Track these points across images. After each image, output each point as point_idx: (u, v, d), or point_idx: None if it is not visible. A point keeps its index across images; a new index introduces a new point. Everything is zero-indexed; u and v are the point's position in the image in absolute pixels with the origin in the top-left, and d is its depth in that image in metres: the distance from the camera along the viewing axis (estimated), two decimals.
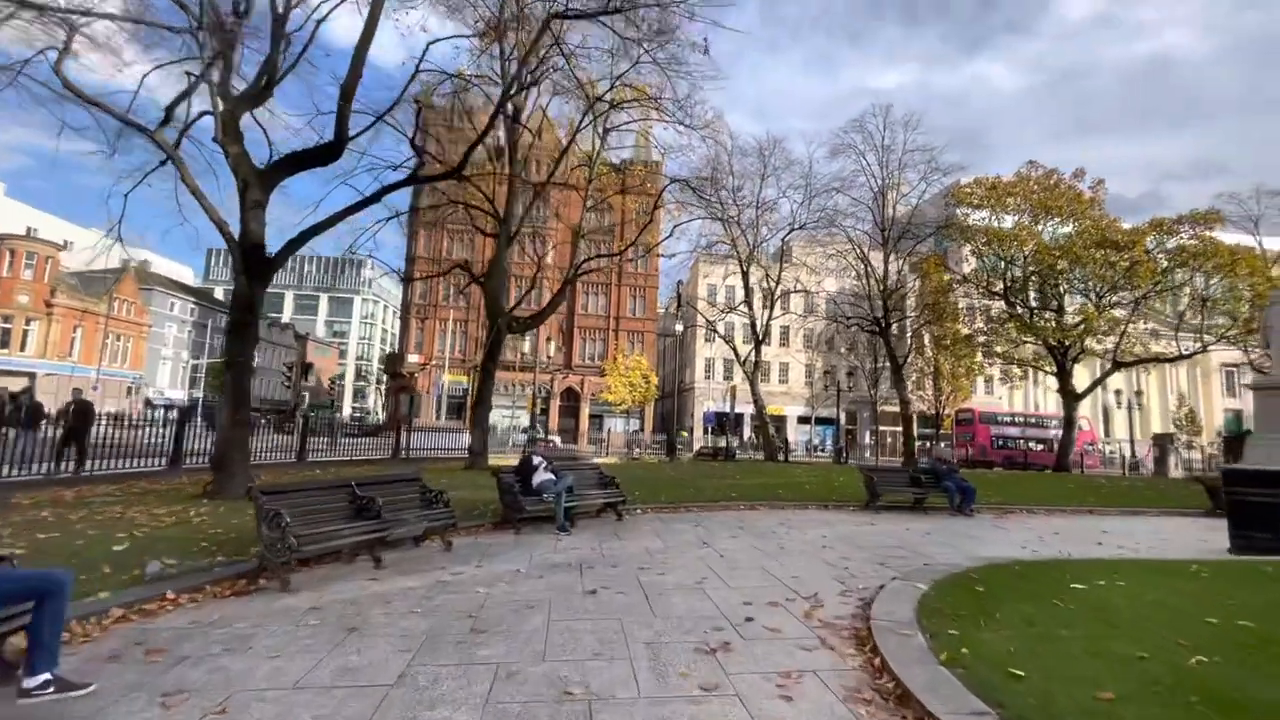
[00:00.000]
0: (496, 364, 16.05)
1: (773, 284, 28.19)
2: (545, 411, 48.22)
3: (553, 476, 8.91)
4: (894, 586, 5.27)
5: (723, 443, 32.05)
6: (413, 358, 49.21)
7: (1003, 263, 28.58)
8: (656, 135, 19.82)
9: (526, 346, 27.21)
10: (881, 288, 28.44)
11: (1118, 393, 35.40)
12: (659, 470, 17.90)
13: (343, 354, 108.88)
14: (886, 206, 28.88)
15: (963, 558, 6.94)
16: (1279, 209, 30.04)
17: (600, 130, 18.82)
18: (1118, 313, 26.09)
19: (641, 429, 47.26)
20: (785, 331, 53.28)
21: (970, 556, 7.05)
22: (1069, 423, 28.13)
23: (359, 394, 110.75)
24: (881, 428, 51.57)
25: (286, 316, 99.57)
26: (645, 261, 51.93)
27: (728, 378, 52.04)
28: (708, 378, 53.40)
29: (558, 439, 39.72)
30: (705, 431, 49.72)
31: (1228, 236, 26.78)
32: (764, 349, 29.04)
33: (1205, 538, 9.44)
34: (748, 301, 27.87)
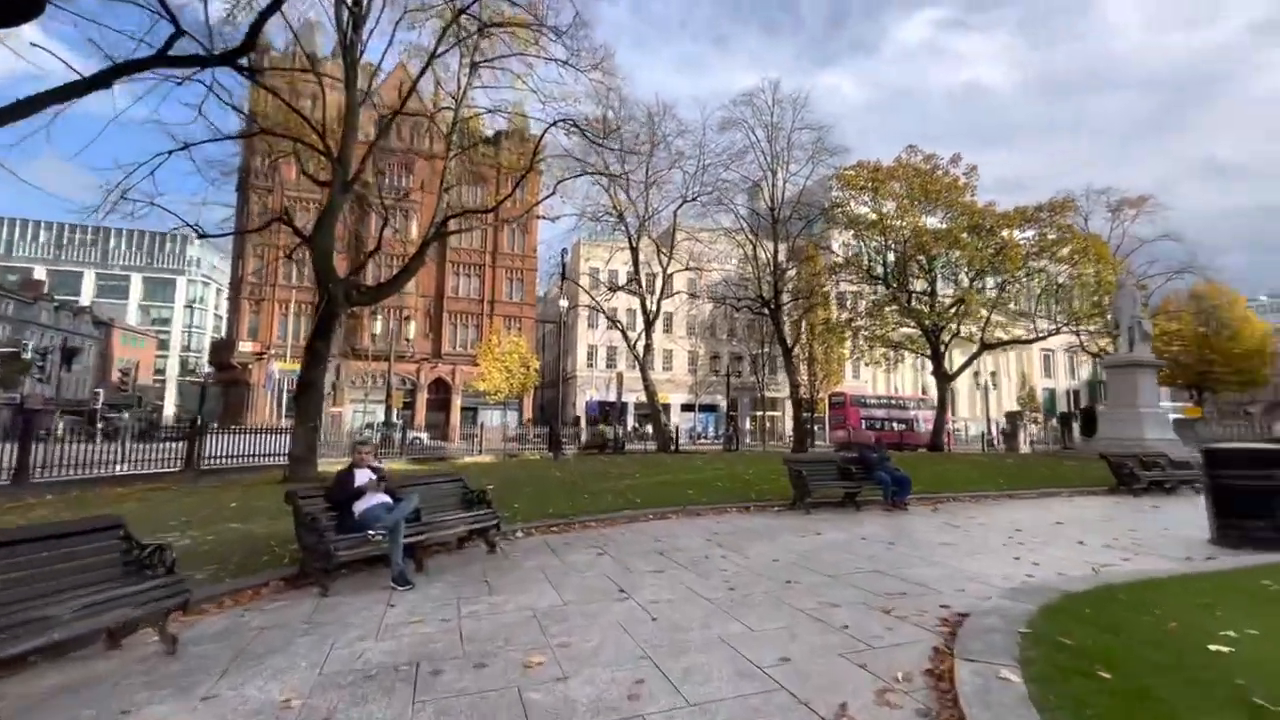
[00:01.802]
0: (329, 344, 12.43)
1: (664, 260, 26.27)
2: (410, 405, 43.22)
3: (387, 499, 5.94)
4: (967, 679, 3.09)
5: (608, 433, 29.83)
6: (246, 346, 41.91)
7: (884, 247, 28.87)
8: (538, 80, 16.84)
9: (379, 328, 22.98)
10: (771, 267, 27.56)
11: (976, 374, 37.82)
12: (543, 470, 15.15)
13: (164, 344, 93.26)
14: (776, 185, 28.02)
15: (981, 587, 5.05)
16: (1105, 206, 33.18)
17: (468, 64, 15.51)
18: (987, 296, 27.20)
19: (521, 421, 43.86)
20: (669, 318, 52.19)
21: (985, 584, 5.19)
22: (942, 404, 29.13)
23: (184, 391, 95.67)
24: (759, 413, 52.31)
25: (86, 299, 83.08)
26: (522, 242, 48.35)
27: (611, 365, 49.98)
28: (590, 366, 51.04)
29: (424, 436, 35.30)
30: (588, 422, 47.37)
31: None
32: (651, 344, 27.14)
33: (1165, 525, 8.53)
34: (636, 280, 25.73)
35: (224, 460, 15.03)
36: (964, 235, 26.27)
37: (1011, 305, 29.27)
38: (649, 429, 32.49)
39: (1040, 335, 28.54)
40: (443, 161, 15.94)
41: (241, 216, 37.40)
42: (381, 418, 35.26)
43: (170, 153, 12.84)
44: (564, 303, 19.34)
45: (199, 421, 14.52)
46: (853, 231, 29.76)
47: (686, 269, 27.70)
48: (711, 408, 54.50)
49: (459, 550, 6.87)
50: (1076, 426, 32.32)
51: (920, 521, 8.88)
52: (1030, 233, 26.14)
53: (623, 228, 26.00)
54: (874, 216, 28.39)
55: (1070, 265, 26.51)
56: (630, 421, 45.28)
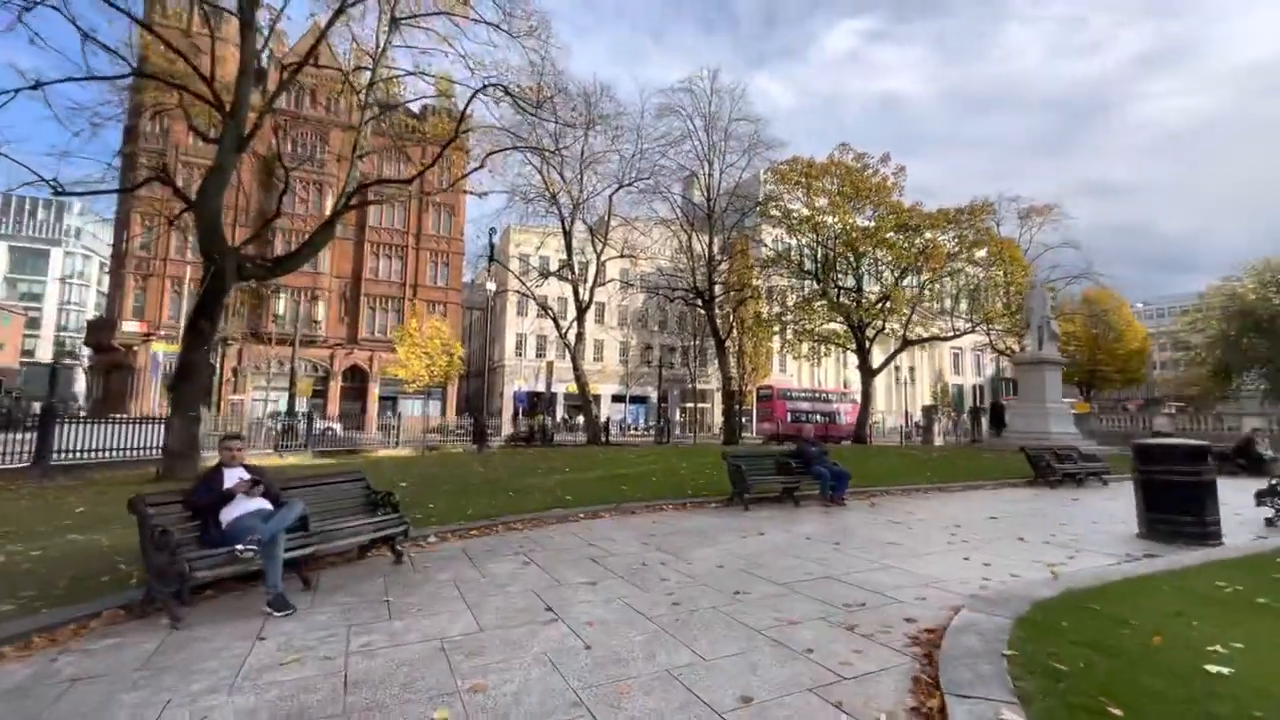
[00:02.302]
0: (215, 322, 10.85)
1: (598, 246, 25.47)
2: (322, 393, 40.36)
3: (264, 505, 4.93)
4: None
5: (546, 423, 28.79)
6: (131, 326, 37.72)
7: (815, 242, 29.28)
8: (467, 46, 15.55)
9: (283, 307, 20.69)
10: (706, 258, 27.33)
11: (896, 369, 39.31)
12: (466, 465, 14.10)
13: (35, 323, 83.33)
14: (712, 176, 27.79)
15: (940, 594, 4.68)
16: (1015, 214, 35.13)
17: (387, 19, 14.08)
18: (910, 294, 28.11)
19: (444, 412, 41.90)
20: (601, 308, 51.43)
21: (944, 590, 4.83)
22: (866, 397, 29.95)
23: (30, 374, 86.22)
24: (689, 405, 52.55)
25: None
26: (449, 224, 46.12)
27: (540, 354, 48.68)
28: (519, 354, 49.52)
29: (337, 427, 32.94)
30: (515, 413, 45.95)
31: None
32: (584, 333, 26.31)
33: (1092, 519, 8.66)
34: (569, 265, 24.79)
35: (88, 455, 13.04)
36: (891, 234, 26.99)
37: (935, 304, 30.46)
38: (580, 420, 31.69)
39: (957, 333, 29.89)
40: (360, 128, 14.42)
41: (125, 180, 33.45)
42: (300, 405, 32.65)
43: (17, 91, 10.84)
44: (490, 285, 18.15)
45: (49, 408, 12.45)
46: (785, 226, 29.99)
47: (621, 256, 27.00)
48: (642, 399, 54.24)
49: (360, 561, 5.91)
50: (985, 421, 34.25)
51: (860, 518, 8.63)
52: (951, 234, 27.20)
53: (555, 211, 24.99)
54: (806, 212, 28.70)
55: (987, 267, 27.82)
56: (560, 412, 44.22)
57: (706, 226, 28.33)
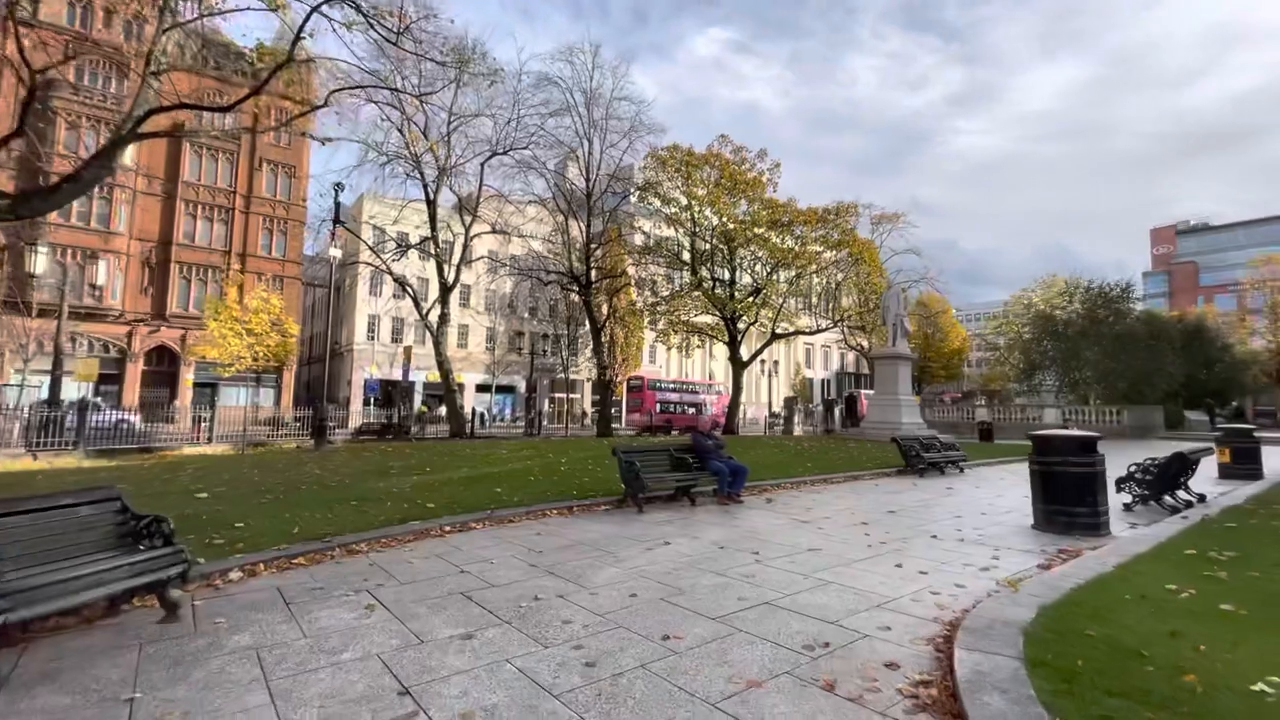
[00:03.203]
0: None
1: (466, 220, 23.11)
2: (117, 378, 33.45)
3: None
4: None
5: (402, 417, 25.81)
6: None
7: (691, 233, 29.14)
8: None
9: (40, 266, 15.45)
10: (584, 240, 26.05)
11: (762, 362, 40.81)
12: (298, 466, 11.66)
13: None
14: (592, 155, 26.51)
15: (901, 619, 3.89)
16: (869, 220, 37.81)
17: None
18: (782, 288, 28.93)
19: (278, 401, 36.68)
20: (467, 291, 48.22)
21: (901, 613, 4.06)
22: (737, 388, 30.50)
23: None
24: (558, 395, 51.13)
25: None
26: (289, 187, 40.39)
27: (397, 339, 44.48)
28: (371, 338, 44.90)
29: (135, 418, 27.29)
30: (367, 403, 41.61)
31: None
32: (448, 314, 23.88)
33: (981, 510, 8.66)
34: (433, 238, 22.21)
35: None
36: (764, 229, 27.53)
37: (804, 299, 31.72)
38: (443, 411, 29.01)
39: (820, 329, 31.42)
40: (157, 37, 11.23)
41: None
42: (79, 391, 26.43)
43: None
44: (335, 252, 15.26)
45: None
46: (664, 215, 29.56)
47: (494, 232, 24.80)
48: (509, 389, 51.81)
49: (109, 621, 3.98)
50: (839, 412, 36.63)
51: (765, 519, 7.93)
52: (820, 232, 28.35)
53: (418, 176, 22.20)
54: (685, 201, 28.44)
55: (848, 266, 29.44)
56: (418, 403, 40.65)
57: (585, 208, 27.03)
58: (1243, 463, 12.07)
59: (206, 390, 35.27)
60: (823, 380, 63.55)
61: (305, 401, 37.10)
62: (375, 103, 18.89)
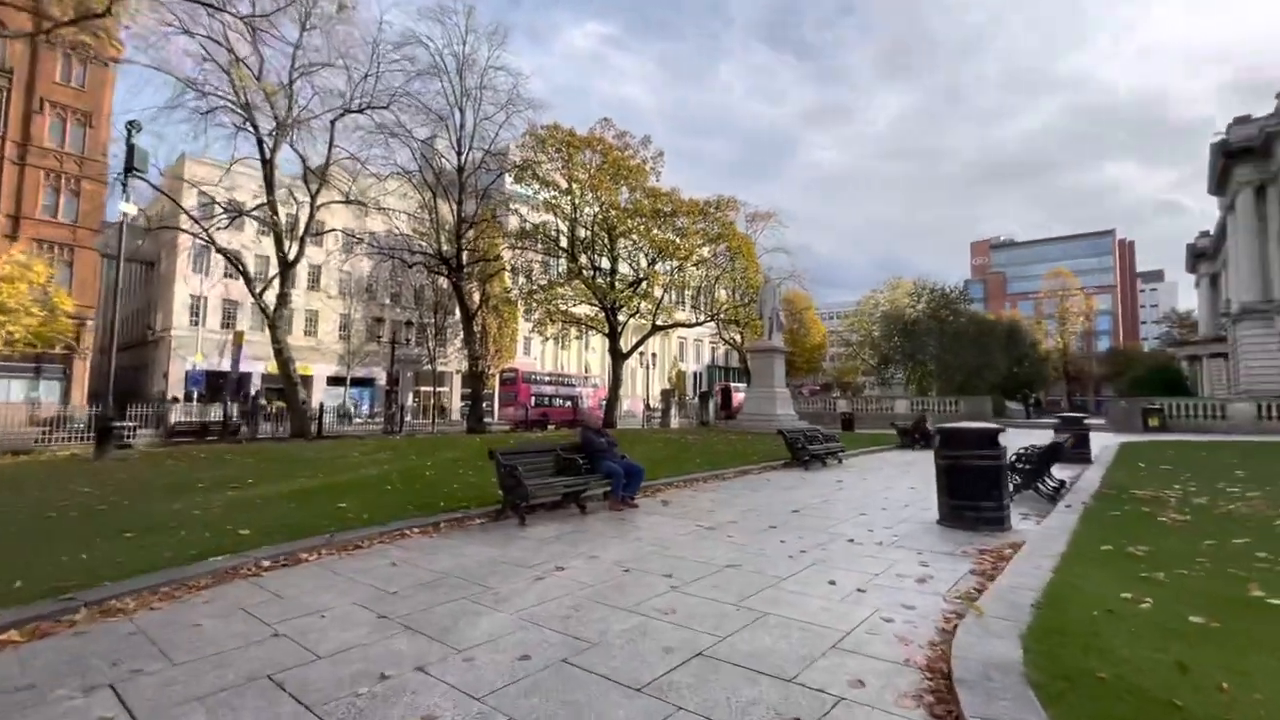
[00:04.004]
0: None
1: (313, 187, 20.00)
2: None
3: None
4: None
5: (229, 415, 21.95)
6: None
7: (571, 218, 27.93)
8: None
9: None
10: (455, 219, 23.82)
11: (640, 354, 40.54)
12: (58, 483, 8.95)
13: None
14: (465, 127, 24.33)
15: (868, 664, 3.08)
16: (745, 217, 38.82)
17: None
18: (664, 278, 28.58)
19: (66, 397, 30.21)
20: (317, 273, 43.16)
21: (867, 655, 3.27)
22: (616, 380, 29.79)
23: None
24: (424, 388, 47.57)
25: None
26: (81, 137, 33.34)
27: (228, 324, 38.64)
28: (195, 323, 38.63)
29: None
30: (189, 398, 35.72)
31: None
32: (288, 294, 20.63)
33: (882, 506, 8.40)
34: (270, 203, 18.94)
35: None
36: (647, 218, 26.97)
37: (686, 291, 31.65)
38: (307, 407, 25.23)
39: (699, 321, 31.57)
40: None
41: None
42: None
43: None
44: (126, 208, 11.90)
45: None
46: (542, 197, 28.01)
47: (347, 202, 21.76)
48: (367, 382, 47.27)
49: None
50: (713, 404, 37.31)
51: (667, 526, 7.03)
52: (701, 225, 28.34)
53: (251, 131, 18.75)
54: (565, 184, 27.13)
55: (728, 259, 29.79)
56: (255, 398, 35.54)
57: (456, 184, 24.77)
58: (1077, 448, 13.26)
59: None
60: (695, 373, 65.12)
61: (111, 396, 30.92)
62: (193, 34, 15.52)
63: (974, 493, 6.62)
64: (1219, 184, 43.74)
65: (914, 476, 11.60)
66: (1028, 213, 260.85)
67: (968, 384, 33.92)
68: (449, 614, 4.05)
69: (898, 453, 17.63)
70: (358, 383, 46.88)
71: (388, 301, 45.04)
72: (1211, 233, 56.87)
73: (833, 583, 4.70)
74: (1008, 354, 38.30)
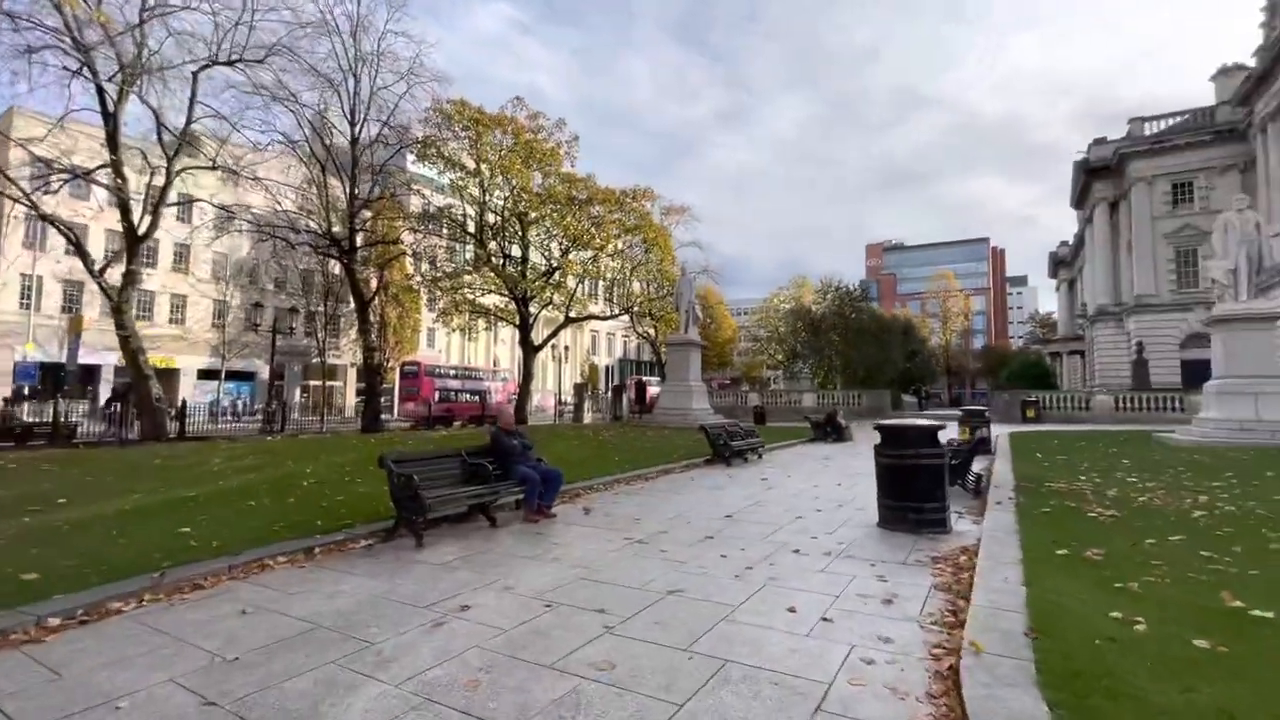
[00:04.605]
0: None
1: (169, 151, 17.18)
2: None
3: None
4: None
5: (55, 415, 18.53)
6: None
7: (480, 201, 26.25)
8: None
9: None
10: (348, 196, 21.55)
11: (553, 347, 39.22)
12: None
13: None
14: (359, 96, 22.07)
15: None
16: (659, 210, 38.44)
17: None
18: (579, 268, 27.49)
19: None
20: (184, 253, 38.34)
21: (842, 713, 2.60)
22: (528, 374, 28.46)
23: None
24: (314, 383, 43.68)
25: None
26: None
27: (70, 308, 33.36)
28: (27, 306, 33.09)
29: None
30: (20, 396, 30.50)
31: None
32: (151, 276, 17.80)
33: (816, 508, 7.96)
34: (114, 164, 16.03)
35: None
36: (561, 205, 25.79)
37: (601, 281, 30.69)
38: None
39: (614, 314, 30.80)
40: None
41: None
42: None
43: None
44: None
45: None
46: (448, 179, 26.10)
47: (213, 168, 18.93)
48: (248, 376, 42.73)
49: None
50: (626, 399, 36.72)
51: (592, 541, 6.17)
52: (616, 215, 27.48)
53: (89, 78, 15.72)
54: (473, 165, 25.41)
55: (644, 251, 29.15)
56: (104, 393, 30.99)
57: (350, 158, 22.47)
58: (983, 441, 13.73)
59: None
60: (607, 367, 64.47)
61: None
62: None
63: (917, 494, 6.27)
64: (1079, 199, 48.60)
65: (836, 472, 11.46)
66: (915, 218, 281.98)
67: (869, 378, 35.55)
68: (310, 691, 2.99)
69: (812, 445, 17.77)
70: (236, 376, 42.25)
71: (271, 287, 40.87)
72: (1070, 243, 63.41)
73: (792, 610, 4.05)
74: (904, 350, 40.60)
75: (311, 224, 24.58)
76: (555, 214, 26.13)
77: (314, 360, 41.99)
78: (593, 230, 26.45)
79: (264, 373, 40.13)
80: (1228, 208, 16.48)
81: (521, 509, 7.35)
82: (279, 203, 21.58)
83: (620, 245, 28.33)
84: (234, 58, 17.02)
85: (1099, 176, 41.97)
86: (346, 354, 44.87)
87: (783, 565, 5.15)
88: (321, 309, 39.28)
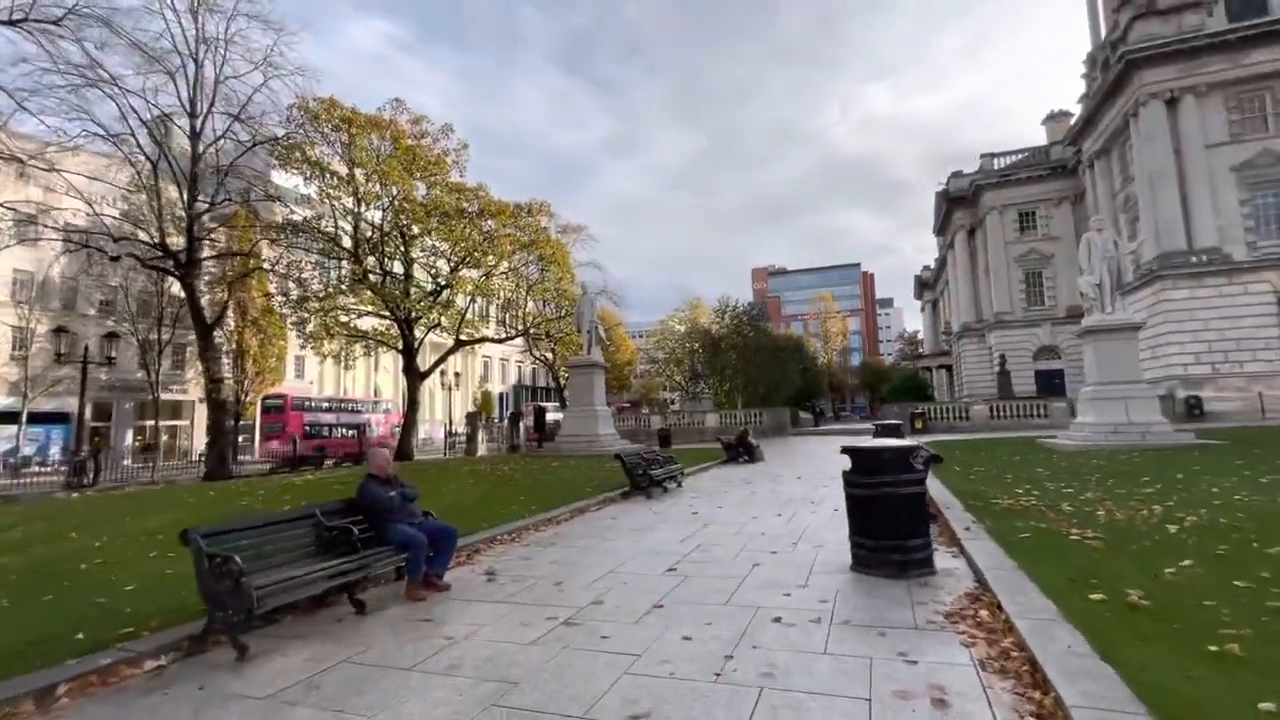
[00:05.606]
0: None
1: None
2: None
3: None
4: None
5: None
6: None
7: (355, 212, 23.49)
8: None
9: None
10: (186, 203, 18.18)
11: (442, 374, 36.18)
12: None
13: None
14: (202, 86, 18.90)
15: None
16: (555, 228, 37.02)
17: None
18: (470, 285, 25.23)
19: None
20: None
21: None
22: (414, 404, 25.67)
23: None
24: (151, 422, 37.38)
25: None
26: None
27: None
28: None
29: None
30: None
31: None
32: None
33: (770, 547, 6.75)
34: None
35: None
36: (449, 217, 23.61)
37: (494, 301, 28.52)
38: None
39: (509, 336, 28.72)
40: None
41: None
42: None
43: None
44: None
45: None
46: (315, 186, 23.13)
47: (9, 158, 15.03)
48: (62, 418, 35.67)
49: None
50: (524, 427, 34.47)
51: (501, 627, 4.53)
52: (510, 231, 25.66)
53: None
54: (345, 171, 22.69)
55: (540, 269, 27.47)
56: None
57: (189, 158, 19.13)
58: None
59: None
60: (501, 394, 61.40)
61: None
62: None
63: (899, 530, 5.24)
64: (942, 226, 53.20)
65: (767, 499, 10.48)
66: (793, 246, 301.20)
67: (768, 396, 35.98)
68: None
69: (727, 468, 16.94)
70: (48, 419, 35.12)
71: (92, 311, 34.64)
72: (932, 267, 69.50)
73: None
74: (798, 367, 41.78)
75: (142, 234, 20.66)
76: (443, 227, 23.89)
77: (151, 397, 35.91)
78: (485, 245, 24.45)
79: (88, 413, 33.59)
80: (1066, 235, 18.09)
81: (403, 579, 5.55)
82: (91, 207, 17.81)
83: (515, 262, 26.49)
84: (19, 17, 13.56)
85: (959, 205, 46.08)
86: (195, 388, 38.94)
87: (769, 647, 3.83)
88: (157, 336, 33.82)
